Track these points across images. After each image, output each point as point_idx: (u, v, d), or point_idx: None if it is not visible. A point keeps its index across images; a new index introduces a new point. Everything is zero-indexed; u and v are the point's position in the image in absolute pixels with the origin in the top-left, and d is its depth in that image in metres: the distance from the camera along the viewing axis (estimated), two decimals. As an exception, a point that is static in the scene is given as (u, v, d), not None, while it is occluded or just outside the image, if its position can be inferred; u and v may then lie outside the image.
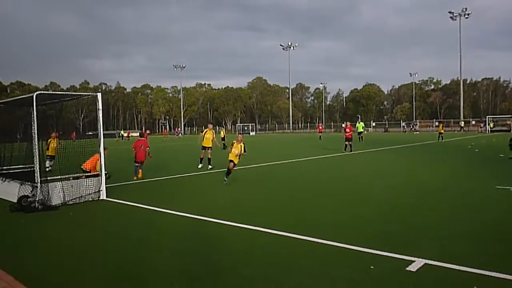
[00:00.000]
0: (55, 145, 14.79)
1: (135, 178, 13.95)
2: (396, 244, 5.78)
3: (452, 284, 4.41)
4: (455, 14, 73.82)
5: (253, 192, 11.03)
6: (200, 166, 16.74)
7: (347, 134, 24.17)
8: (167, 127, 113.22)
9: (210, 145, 16.92)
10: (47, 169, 11.18)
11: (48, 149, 15.17)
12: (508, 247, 5.61)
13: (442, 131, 37.25)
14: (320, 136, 45.42)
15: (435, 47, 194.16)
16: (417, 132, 65.17)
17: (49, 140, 15.48)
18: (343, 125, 38.33)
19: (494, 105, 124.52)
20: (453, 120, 78.37)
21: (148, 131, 47.12)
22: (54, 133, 14.68)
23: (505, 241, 5.90)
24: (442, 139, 35.44)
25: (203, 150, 16.95)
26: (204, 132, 17.34)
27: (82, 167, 10.75)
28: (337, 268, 4.94)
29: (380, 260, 5.17)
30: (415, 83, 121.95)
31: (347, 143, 23.93)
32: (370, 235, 6.32)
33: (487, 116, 64.64)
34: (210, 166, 16.51)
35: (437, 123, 78.39)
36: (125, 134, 73.08)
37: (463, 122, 68.48)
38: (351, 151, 23.45)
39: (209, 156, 16.80)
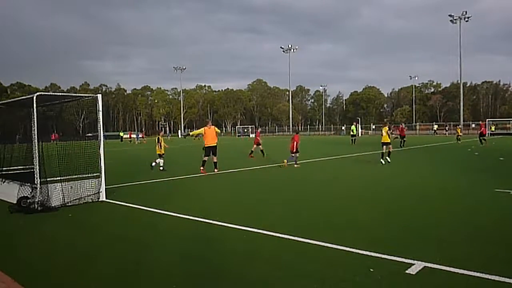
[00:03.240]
0: None
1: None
2: (396, 247, 5.78)
3: (451, 287, 4.41)
4: (455, 18, 74.11)
5: (254, 194, 11.02)
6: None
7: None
8: (167, 129, 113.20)
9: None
10: None
11: None
12: (508, 250, 5.61)
13: (460, 134, 38.67)
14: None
15: (435, 50, 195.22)
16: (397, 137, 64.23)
17: None
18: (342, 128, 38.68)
19: (494, 109, 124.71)
20: (453, 123, 78.49)
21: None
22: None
23: (505, 244, 5.90)
24: (459, 141, 36.52)
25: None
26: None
27: None
28: (338, 271, 4.94)
29: (380, 263, 5.17)
30: (415, 86, 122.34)
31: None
32: (369, 238, 6.32)
33: (486, 120, 64.56)
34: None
35: (436, 126, 78.63)
36: (126, 136, 71.89)
37: (436, 126, 68.22)
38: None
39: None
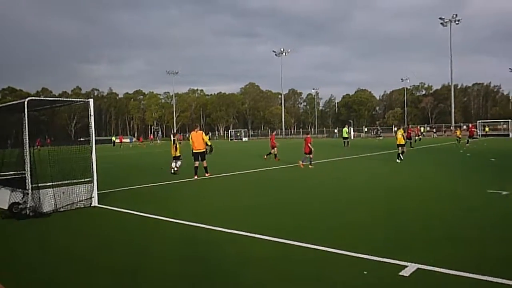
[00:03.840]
0: None
1: None
2: (389, 249, 5.79)
3: (445, 289, 4.42)
4: (445, 20, 74.94)
5: (247, 198, 10.99)
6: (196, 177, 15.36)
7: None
8: (157, 133, 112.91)
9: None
10: None
11: None
12: (501, 250, 5.64)
13: (460, 136, 38.74)
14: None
15: (426, 53, 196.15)
16: (381, 138, 65.18)
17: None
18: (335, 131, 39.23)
19: (485, 110, 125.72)
20: (445, 125, 79.02)
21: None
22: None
23: (498, 244, 5.93)
24: (459, 143, 36.65)
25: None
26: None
27: None
28: (331, 274, 4.94)
29: (373, 265, 5.18)
30: (406, 88, 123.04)
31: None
32: (362, 240, 6.33)
33: (478, 121, 65.10)
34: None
35: (428, 128, 79.12)
36: (117, 140, 71.69)
37: (421, 128, 68.62)
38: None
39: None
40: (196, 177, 15.22)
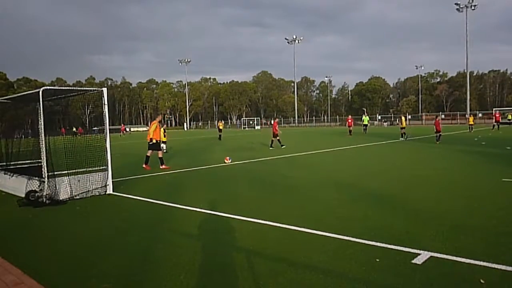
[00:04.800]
0: None
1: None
2: (402, 237, 5.79)
3: (457, 277, 4.41)
4: (461, 6, 73.37)
5: (259, 186, 11.02)
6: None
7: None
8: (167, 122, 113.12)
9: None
10: None
11: None
12: (515, 239, 5.59)
13: (473, 123, 39.38)
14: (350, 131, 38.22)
15: (441, 39, 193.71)
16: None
17: None
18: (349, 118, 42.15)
19: (501, 98, 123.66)
20: (459, 113, 77.95)
21: None
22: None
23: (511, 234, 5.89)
24: (471, 131, 37.33)
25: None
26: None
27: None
28: (344, 262, 4.96)
29: (386, 253, 5.19)
30: (421, 76, 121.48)
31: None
32: (375, 228, 6.32)
33: (493, 109, 63.98)
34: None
35: (443, 116, 78.19)
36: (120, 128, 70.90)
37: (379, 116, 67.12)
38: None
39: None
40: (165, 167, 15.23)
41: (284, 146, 23.73)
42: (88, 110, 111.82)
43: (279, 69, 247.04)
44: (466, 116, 68.21)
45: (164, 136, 21.51)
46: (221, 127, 39.92)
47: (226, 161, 16.35)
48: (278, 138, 24.28)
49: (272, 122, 30.55)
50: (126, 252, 5.69)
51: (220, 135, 38.15)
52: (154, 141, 15.41)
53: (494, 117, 42.13)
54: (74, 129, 53.30)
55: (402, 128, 29.80)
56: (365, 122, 42.05)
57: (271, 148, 23.73)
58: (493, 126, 41.02)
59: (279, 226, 6.65)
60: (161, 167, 15.24)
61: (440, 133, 25.19)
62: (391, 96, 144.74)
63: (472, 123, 39.33)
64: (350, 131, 37.84)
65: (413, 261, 4.84)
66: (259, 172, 13.79)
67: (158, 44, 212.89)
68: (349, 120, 40.36)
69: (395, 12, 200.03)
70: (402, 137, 28.96)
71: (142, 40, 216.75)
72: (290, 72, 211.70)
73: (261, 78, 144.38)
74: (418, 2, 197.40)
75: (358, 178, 11.87)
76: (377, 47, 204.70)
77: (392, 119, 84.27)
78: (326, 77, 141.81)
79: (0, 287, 4.56)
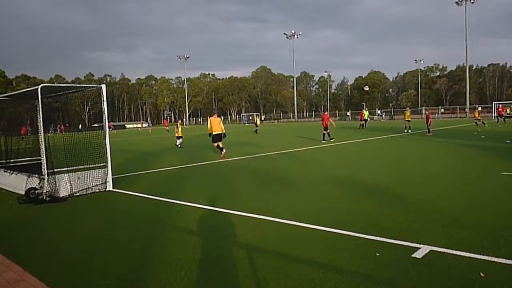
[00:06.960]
0: None
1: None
2: (402, 231, 5.80)
3: (458, 271, 4.42)
4: (460, 0, 73.05)
5: (259, 181, 11.03)
6: None
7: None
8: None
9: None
10: None
11: None
12: (514, 233, 5.60)
13: (479, 117, 37.85)
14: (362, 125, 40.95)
15: (440, 33, 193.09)
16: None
17: None
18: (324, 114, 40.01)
19: (501, 91, 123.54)
20: (459, 107, 77.86)
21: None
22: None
23: (511, 227, 5.89)
24: (477, 125, 36.22)
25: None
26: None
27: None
28: (344, 256, 4.96)
29: (386, 247, 5.19)
30: (420, 70, 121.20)
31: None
32: (375, 223, 6.33)
33: (493, 102, 63.89)
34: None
35: (442, 110, 78.19)
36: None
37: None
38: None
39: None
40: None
41: (333, 140, 23.73)
42: (87, 107, 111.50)
43: (278, 64, 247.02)
44: (466, 109, 68.17)
45: (181, 131, 24.62)
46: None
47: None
48: (328, 131, 24.07)
49: (322, 114, 31.61)
50: (126, 249, 5.70)
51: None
52: (218, 132, 17.19)
53: (497, 111, 42.80)
54: (80, 126, 53.26)
55: (407, 120, 31.69)
56: (365, 117, 42.07)
57: (323, 141, 23.63)
58: (498, 119, 41.59)
59: (279, 221, 6.66)
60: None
61: (429, 126, 27.47)
62: (390, 90, 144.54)
63: (478, 117, 36.99)
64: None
65: (413, 255, 4.84)
66: (259, 168, 13.79)
67: (157, 40, 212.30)
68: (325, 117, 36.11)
69: (394, 6, 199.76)
70: (406, 129, 30.83)
71: (141, 36, 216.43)
72: (289, 67, 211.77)
73: (260, 74, 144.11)
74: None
75: (356, 172, 11.87)
76: (376, 41, 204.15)
77: (392, 113, 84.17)
78: (326, 72, 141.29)
79: (0, 284, 4.57)
